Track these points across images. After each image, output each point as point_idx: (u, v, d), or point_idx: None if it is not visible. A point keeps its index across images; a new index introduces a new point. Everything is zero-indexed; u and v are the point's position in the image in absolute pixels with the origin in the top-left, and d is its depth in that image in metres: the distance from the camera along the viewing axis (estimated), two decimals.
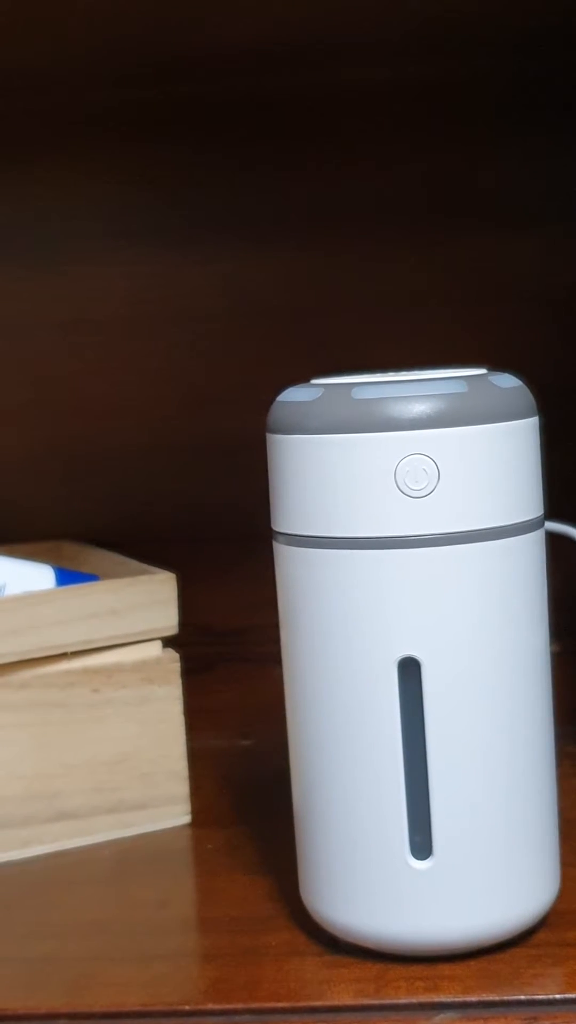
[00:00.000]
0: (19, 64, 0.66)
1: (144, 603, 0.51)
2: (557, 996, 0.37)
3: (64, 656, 0.50)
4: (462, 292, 0.68)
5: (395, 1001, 0.37)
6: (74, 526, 0.67)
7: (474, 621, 0.37)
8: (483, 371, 0.40)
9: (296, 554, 0.38)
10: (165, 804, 0.51)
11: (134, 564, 0.54)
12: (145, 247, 0.68)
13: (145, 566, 0.53)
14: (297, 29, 0.65)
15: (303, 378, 0.41)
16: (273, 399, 0.40)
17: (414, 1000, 0.37)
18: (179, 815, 0.51)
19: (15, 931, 0.43)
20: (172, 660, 0.51)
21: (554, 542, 0.42)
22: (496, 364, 0.43)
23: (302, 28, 0.65)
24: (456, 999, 0.37)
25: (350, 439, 0.37)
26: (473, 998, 0.37)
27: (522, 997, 0.37)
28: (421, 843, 0.38)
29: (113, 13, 0.64)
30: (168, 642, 0.51)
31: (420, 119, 0.67)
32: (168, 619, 0.51)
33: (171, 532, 0.68)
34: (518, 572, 0.38)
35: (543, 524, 0.39)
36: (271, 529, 0.40)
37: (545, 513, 0.40)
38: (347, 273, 0.68)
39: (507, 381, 0.39)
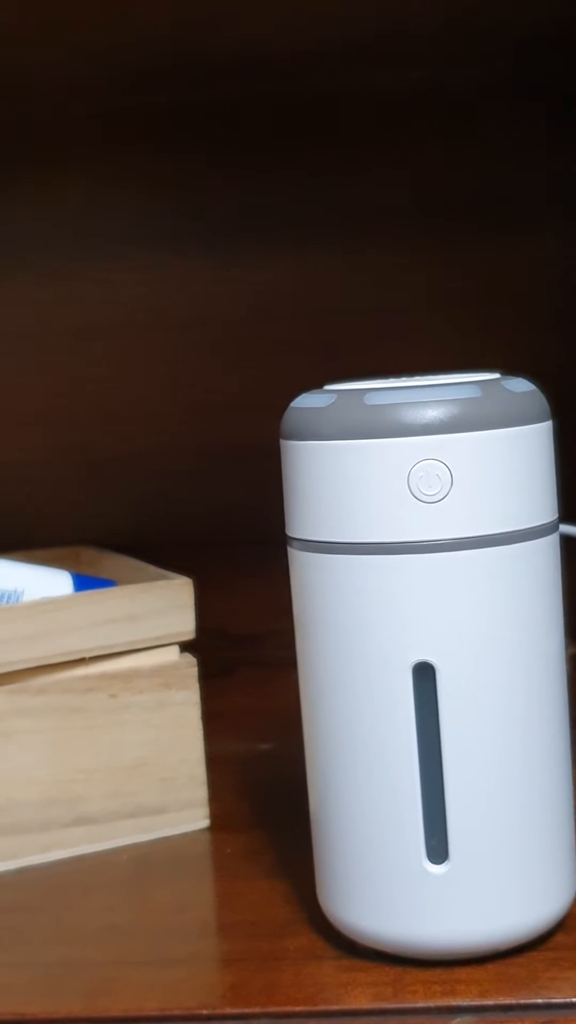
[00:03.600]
0: (32, 70, 0.67)
1: (161, 608, 0.51)
2: (575, 999, 0.37)
3: (82, 661, 0.50)
4: (477, 296, 0.68)
5: (412, 1005, 0.37)
6: (92, 532, 0.67)
7: (489, 626, 0.37)
8: (496, 375, 0.40)
9: (310, 559, 0.39)
10: (183, 809, 0.51)
11: (151, 569, 0.55)
12: (160, 253, 0.69)
13: (162, 571, 0.53)
14: (311, 34, 0.65)
15: (317, 384, 0.41)
16: (288, 404, 0.40)
17: (431, 1004, 0.37)
18: (198, 820, 0.51)
19: (34, 936, 0.43)
20: (190, 665, 0.51)
21: (568, 545, 0.42)
22: (510, 368, 0.43)
23: (316, 33, 0.65)
24: (473, 1003, 0.37)
25: (363, 445, 0.37)
26: (490, 1002, 0.37)
27: (539, 1000, 0.37)
28: (437, 847, 0.38)
29: (127, 18, 0.64)
30: (186, 647, 0.52)
31: (436, 122, 0.67)
32: (185, 624, 0.51)
33: (188, 537, 0.69)
34: (533, 576, 0.38)
35: (557, 528, 0.39)
36: (286, 535, 0.40)
37: (559, 516, 0.40)
38: (360, 278, 0.68)
39: (520, 385, 0.39)
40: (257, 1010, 0.37)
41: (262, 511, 0.57)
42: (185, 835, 0.51)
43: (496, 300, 0.68)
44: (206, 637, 0.53)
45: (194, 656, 0.52)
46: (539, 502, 0.38)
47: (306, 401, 0.39)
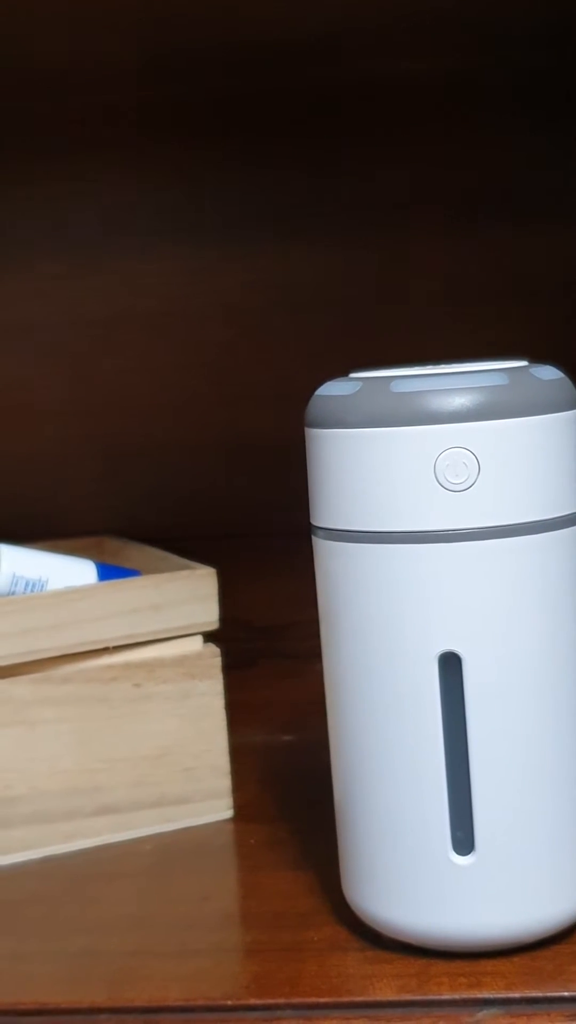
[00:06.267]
0: (56, 64, 0.67)
1: (185, 598, 0.51)
2: None
3: (106, 651, 0.50)
4: (502, 285, 0.67)
5: (438, 997, 0.37)
6: (116, 522, 0.67)
7: (515, 615, 0.37)
8: (524, 363, 0.39)
9: (335, 549, 0.38)
10: (207, 799, 0.51)
11: (175, 559, 0.55)
12: (182, 244, 0.68)
13: (186, 561, 0.53)
14: (327, 24, 0.65)
15: (341, 372, 0.41)
16: (312, 393, 0.40)
17: (457, 996, 0.37)
18: (221, 810, 0.51)
19: (57, 925, 0.43)
20: (213, 655, 0.51)
21: None
22: (538, 356, 0.42)
23: (332, 23, 0.65)
24: (499, 995, 0.37)
25: (389, 433, 0.37)
26: (516, 994, 0.37)
27: (565, 994, 0.36)
28: (463, 839, 0.38)
29: (148, 9, 0.64)
30: (209, 637, 0.52)
31: (452, 113, 0.67)
32: (209, 614, 0.51)
33: (212, 528, 0.68)
34: (559, 566, 0.38)
35: None
36: (311, 524, 0.40)
37: None
38: (384, 267, 0.68)
39: (548, 373, 0.38)
40: (281, 1001, 0.37)
41: (287, 501, 0.56)
42: (208, 825, 0.51)
43: (526, 289, 0.67)
44: (230, 628, 0.53)
45: (218, 647, 0.51)
46: (567, 491, 0.38)
47: (332, 389, 0.39)
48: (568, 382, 0.38)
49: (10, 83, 0.67)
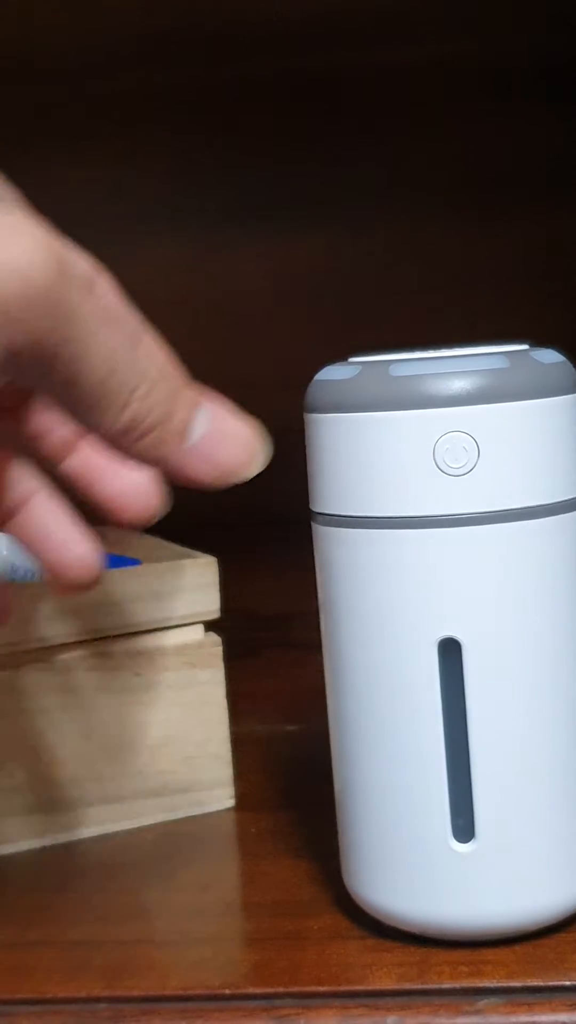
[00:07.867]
0: (58, 51, 0.66)
1: (186, 587, 0.50)
2: None
3: (106, 639, 0.49)
4: (504, 270, 0.67)
5: (438, 986, 0.37)
6: None
7: (515, 601, 0.37)
8: (525, 346, 0.39)
9: (334, 534, 0.38)
10: (209, 788, 0.51)
11: (176, 548, 0.54)
12: (185, 231, 0.68)
13: (187, 550, 0.53)
14: (336, 9, 0.65)
15: (342, 358, 0.40)
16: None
17: (457, 985, 0.37)
18: (223, 799, 0.51)
19: (57, 914, 0.43)
20: (214, 644, 0.51)
21: None
22: (540, 340, 0.42)
23: (341, 7, 0.65)
24: (500, 984, 0.36)
25: (388, 417, 0.36)
26: (517, 983, 0.36)
27: (567, 983, 0.36)
28: (464, 826, 0.37)
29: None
30: (213, 628, 0.51)
31: (453, 102, 0.66)
32: (210, 603, 0.51)
33: (215, 518, 0.68)
34: (560, 551, 0.37)
35: None
36: (310, 510, 0.40)
37: None
38: (387, 252, 0.67)
39: (549, 356, 0.38)
40: (280, 990, 0.37)
41: (290, 489, 0.56)
42: (210, 814, 0.50)
43: (530, 273, 0.67)
44: (233, 618, 0.53)
45: (219, 636, 0.51)
46: (568, 475, 0.37)
47: (330, 373, 0.38)
48: (569, 366, 0.38)
49: (7, 71, 0.67)
